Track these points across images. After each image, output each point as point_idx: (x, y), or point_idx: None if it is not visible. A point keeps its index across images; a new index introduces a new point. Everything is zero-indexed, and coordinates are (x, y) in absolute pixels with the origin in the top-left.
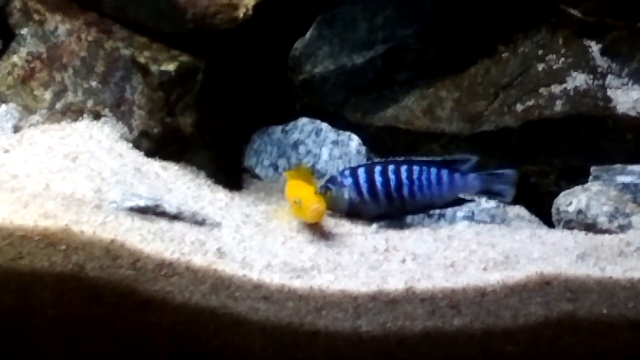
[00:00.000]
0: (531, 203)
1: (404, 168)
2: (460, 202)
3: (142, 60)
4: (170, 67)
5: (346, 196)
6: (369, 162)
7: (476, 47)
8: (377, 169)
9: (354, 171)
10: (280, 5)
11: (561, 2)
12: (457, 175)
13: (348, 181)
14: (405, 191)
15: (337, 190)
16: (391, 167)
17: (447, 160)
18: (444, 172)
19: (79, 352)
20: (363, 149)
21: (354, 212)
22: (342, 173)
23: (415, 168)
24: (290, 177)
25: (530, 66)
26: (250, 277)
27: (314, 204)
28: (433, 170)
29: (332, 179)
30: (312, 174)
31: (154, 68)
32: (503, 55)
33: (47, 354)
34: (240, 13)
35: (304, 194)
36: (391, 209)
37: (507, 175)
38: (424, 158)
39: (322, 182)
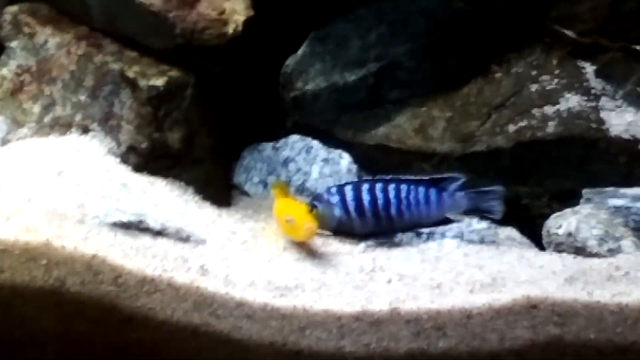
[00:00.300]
0: (523, 225)
1: (391, 186)
2: (448, 221)
3: (130, 74)
4: (159, 82)
5: (333, 214)
6: (356, 180)
7: (470, 67)
8: (365, 187)
9: (340, 189)
10: (272, 22)
11: (556, 23)
12: (445, 194)
13: (335, 199)
14: (393, 210)
15: (324, 208)
16: (379, 185)
17: (435, 179)
18: (432, 191)
19: None
20: (354, 167)
21: (340, 230)
22: (328, 191)
23: (403, 187)
24: (278, 195)
25: (523, 87)
26: (233, 295)
27: (306, 222)
28: (421, 189)
29: (318, 197)
30: (288, 187)
31: (142, 83)
32: (496, 75)
33: None
34: (230, 29)
35: (296, 213)
36: (379, 227)
37: (494, 192)
38: (412, 177)
39: (306, 199)
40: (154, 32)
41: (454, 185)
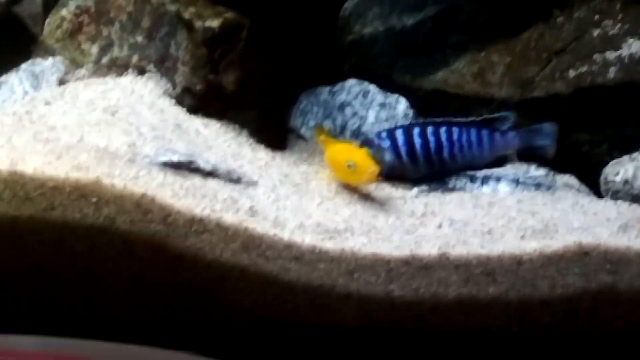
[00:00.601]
0: (583, 172)
1: (443, 129)
2: (501, 162)
3: (186, 16)
4: (215, 23)
5: (385, 159)
6: (407, 124)
7: (530, 11)
8: (416, 130)
9: (391, 133)
10: None
11: None
12: (496, 134)
13: (386, 143)
14: (446, 153)
15: (375, 153)
16: (430, 129)
17: (485, 120)
18: (484, 132)
19: (110, 305)
20: (410, 112)
21: (392, 175)
22: (379, 135)
23: (455, 129)
24: (326, 141)
25: (585, 32)
26: (282, 236)
27: (370, 166)
28: (473, 130)
29: (368, 141)
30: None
31: (198, 24)
32: (558, 19)
33: (78, 306)
34: None
35: (358, 157)
36: (431, 171)
37: (546, 128)
38: (462, 119)
39: (355, 143)
40: None
41: (505, 125)
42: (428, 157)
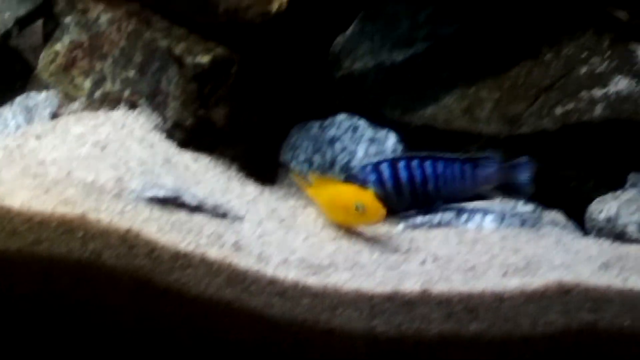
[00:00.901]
0: (571, 208)
1: (427, 163)
2: (481, 197)
3: (177, 51)
4: (205, 59)
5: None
6: (391, 157)
7: (519, 48)
8: (401, 164)
9: (376, 166)
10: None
11: (608, 5)
12: (478, 170)
13: (371, 177)
14: (430, 185)
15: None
16: (415, 162)
17: (468, 158)
18: (467, 166)
19: (97, 338)
20: (399, 147)
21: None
22: (363, 168)
23: (438, 163)
24: (317, 181)
25: (573, 69)
26: (265, 272)
27: (380, 208)
28: (456, 165)
29: (352, 176)
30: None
31: (188, 60)
32: (546, 56)
33: (65, 339)
34: (274, 7)
35: (367, 199)
36: (415, 204)
37: (523, 164)
38: (446, 155)
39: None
40: (200, 10)
41: (486, 161)
42: (413, 189)
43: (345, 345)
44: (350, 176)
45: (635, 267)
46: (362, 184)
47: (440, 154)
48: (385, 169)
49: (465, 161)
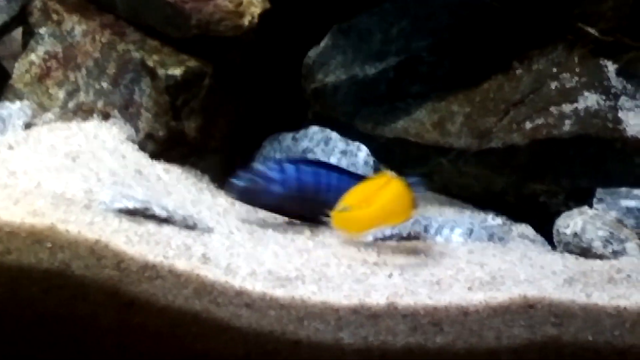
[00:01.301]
0: (541, 222)
1: (323, 172)
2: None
3: (150, 63)
4: (177, 71)
5: (274, 190)
6: (291, 158)
7: (491, 62)
8: (304, 168)
9: (281, 165)
10: (295, 14)
11: (579, 21)
12: None
13: (276, 175)
14: (323, 195)
15: (265, 183)
16: (313, 169)
17: (358, 176)
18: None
19: (64, 349)
20: (371, 159)
21: (272, 208)
22: (267, 165)
23: (333, 174)
24: None
25: (543, 84)
26: (233, 284)
27: None
28: (353, 180)
29: (257, 171)
30: None
31: (161, 72)
32: (517, 71)
33: (33, 348)
34: (246, 21)
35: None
36: (307, 211)
37: (415, 182)
38: (339, 166)
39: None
40: (172, 23)
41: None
42: (314, 195)
43: (312, 357)
44: (254, 171)
45: (599, 283)
46: (267, 180)
47: (335, 165)
48: (290, 169)
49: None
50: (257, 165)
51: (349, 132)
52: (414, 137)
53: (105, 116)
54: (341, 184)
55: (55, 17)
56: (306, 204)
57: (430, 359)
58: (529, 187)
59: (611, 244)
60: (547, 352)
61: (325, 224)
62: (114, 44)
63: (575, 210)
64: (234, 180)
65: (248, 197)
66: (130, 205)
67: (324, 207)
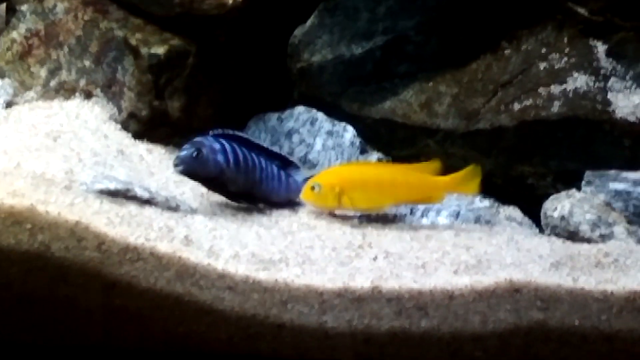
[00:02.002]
0: (529, 204)
1: (254, 154)
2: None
3: (133, 42)
4: (160, 50)
5: (218, 160)
6: (224, 133)
7: (479, 42)
8: (236, 145)
9: (218, 138)
10: None
11: (568, 0)
12: (291, 180)
13: (217, 145)
14: (257, 174)
15: (208, 153)
16: (244, 149)
17: (284, 159)
18: (282, 173)
19: (44, 331)
20: (357, 140)
21: (212, 182)
22: (207, 137)
23: (262, 158)
24: None
25: (532, 64)
26: (215, 266)
27: None
28: (275, 166)
29: (198, 142)
30: None
31: (144, 50)
32: (506, 51)
33: (12, 330)
34: None
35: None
36: (244, 188)
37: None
38: (269, 147)
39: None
40: (156, 1)
41: (298, 174)
42: (246, 170)
43: (296, 341)
44: (195, 142)
45: (586, 267)
46: (211, 150)
47: (265, 146)
48: (226, 142)
49: (284, 166)
50: (198, 138)
51: (335, 113)
52: (401, 118)
53: (88, 95)
54: (269, 167)
55: None
56: (242, 181)
57: (415, 343)
58: (516, 169)
59: (599, 227)
60: (533, 337)
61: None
62: (96, 22)
63: (563, 193)
64: (180, 153)
65: (193, 169)
66: (112, 186)
67: (255, 185)
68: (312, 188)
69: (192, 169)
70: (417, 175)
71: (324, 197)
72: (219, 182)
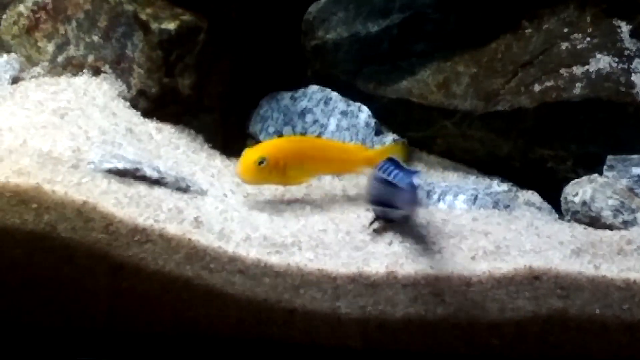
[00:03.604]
0: (548, 189)
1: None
2: None
3: (143, 17)
4: (171, 25)
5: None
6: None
7: (499, 21)
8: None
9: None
10: None
11: None
12: None
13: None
14: None
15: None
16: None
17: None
18: None
19: (50, 313)
20: (372, 121)
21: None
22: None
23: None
24: None
25: (553, 44)
26: (226, 249)
27: None
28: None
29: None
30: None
31: (154, 26)
32: (527, 31)
33: (17, 312)
34: None
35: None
36: None
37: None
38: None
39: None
40: None
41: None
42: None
43: (308, 327)
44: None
45: (608, 254)
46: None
47: None
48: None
49: None
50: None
51: (349, 92)
52: (417, 98)
53: (96, 71)
54: None
55: None
56: None
57: (431, 331)
58: (536, 152)
59: (622, 213)
60: (552, 325)
61: None
62: None
63: (584, 178)
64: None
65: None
66: (120, 165)
67: None
68: (259, 162)
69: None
70: (344, 147)
71: (268, 172)
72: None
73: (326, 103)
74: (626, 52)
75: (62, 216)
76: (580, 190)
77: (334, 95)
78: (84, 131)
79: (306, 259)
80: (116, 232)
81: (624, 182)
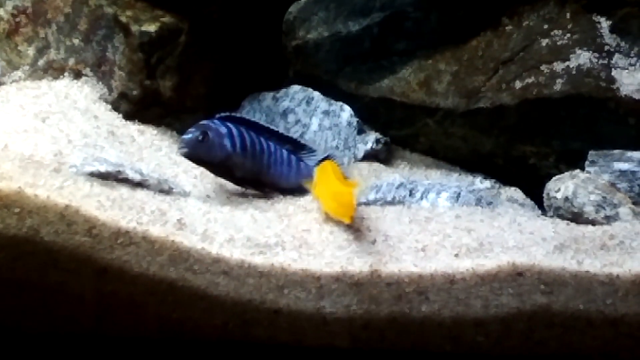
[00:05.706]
0: (531, 185)
1: (264, 137)
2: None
3: (124, 19)
4: (152, 27)
5: (224, 144)
6: (231, 116)
7: (479, 18)
8: (244, 129)
9: (225, 121)
10: None
11: None
12: (302, 165)
13: (224, 129)
14: (265, 159)
15: (214, 137)
16: (252, 133)
17: (298, 144)
18: (293, 158)
19: (34, 317)
20: (354, 120)
21: (220, 167)
22: (213, 121)
23: (272, 142)
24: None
25: (534, 41)
26: (210, 250)
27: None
28: (285, 151)
29: (205, 125)
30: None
31: (134, 28)
32: (507, 28)
33: (1, 316)
34: None
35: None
36: (251, 173)
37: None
38: (280, 131)
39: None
40: None
41: (311, 159)
42: (253, 155)
43: (293, 327)
44: (202, 125)
45: (591, 249)
46: (217, 134)
47: (276, 130)
48: (233, 126)
49: (294, 151)
50: (205, 121)
51: (331, 92)
52: (399, 97)
53: (77, 74)
54: (278, 152)
55: None
56: (249, 166)
57: (415, 329)
58: (518, 149)
59: (604, 208)
60: (537, 322)
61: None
62: None
63: (566, 174)
64: (185, 136)
65: (199, 153)
66: (102, 168)
67: (263, 171)
68: None
69: (197, 153)
70: None
71: None
72: (225, 167)
73: (308, 103)
74: (606, 48)
75: (44, 220)
76: (562, 186)
77: (316, 95)
78: (66, 134)
79: (290, 259)
80: (99, 235)
81: (605, 178)
